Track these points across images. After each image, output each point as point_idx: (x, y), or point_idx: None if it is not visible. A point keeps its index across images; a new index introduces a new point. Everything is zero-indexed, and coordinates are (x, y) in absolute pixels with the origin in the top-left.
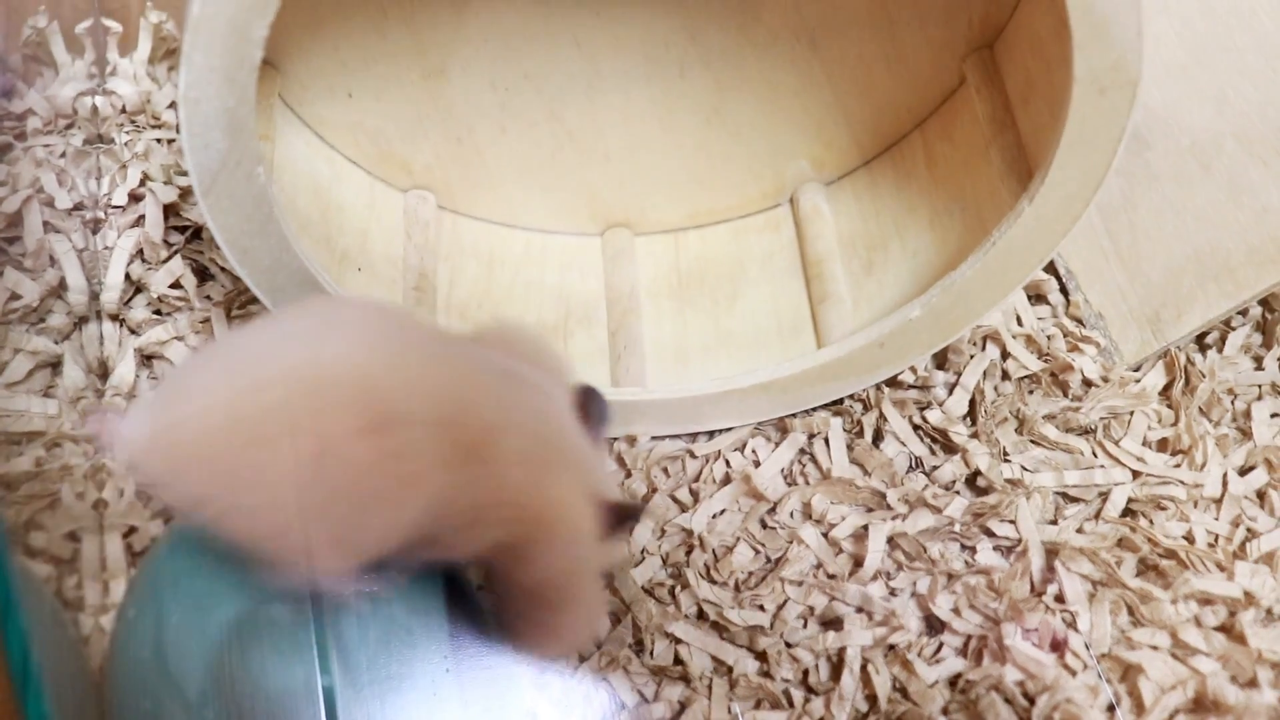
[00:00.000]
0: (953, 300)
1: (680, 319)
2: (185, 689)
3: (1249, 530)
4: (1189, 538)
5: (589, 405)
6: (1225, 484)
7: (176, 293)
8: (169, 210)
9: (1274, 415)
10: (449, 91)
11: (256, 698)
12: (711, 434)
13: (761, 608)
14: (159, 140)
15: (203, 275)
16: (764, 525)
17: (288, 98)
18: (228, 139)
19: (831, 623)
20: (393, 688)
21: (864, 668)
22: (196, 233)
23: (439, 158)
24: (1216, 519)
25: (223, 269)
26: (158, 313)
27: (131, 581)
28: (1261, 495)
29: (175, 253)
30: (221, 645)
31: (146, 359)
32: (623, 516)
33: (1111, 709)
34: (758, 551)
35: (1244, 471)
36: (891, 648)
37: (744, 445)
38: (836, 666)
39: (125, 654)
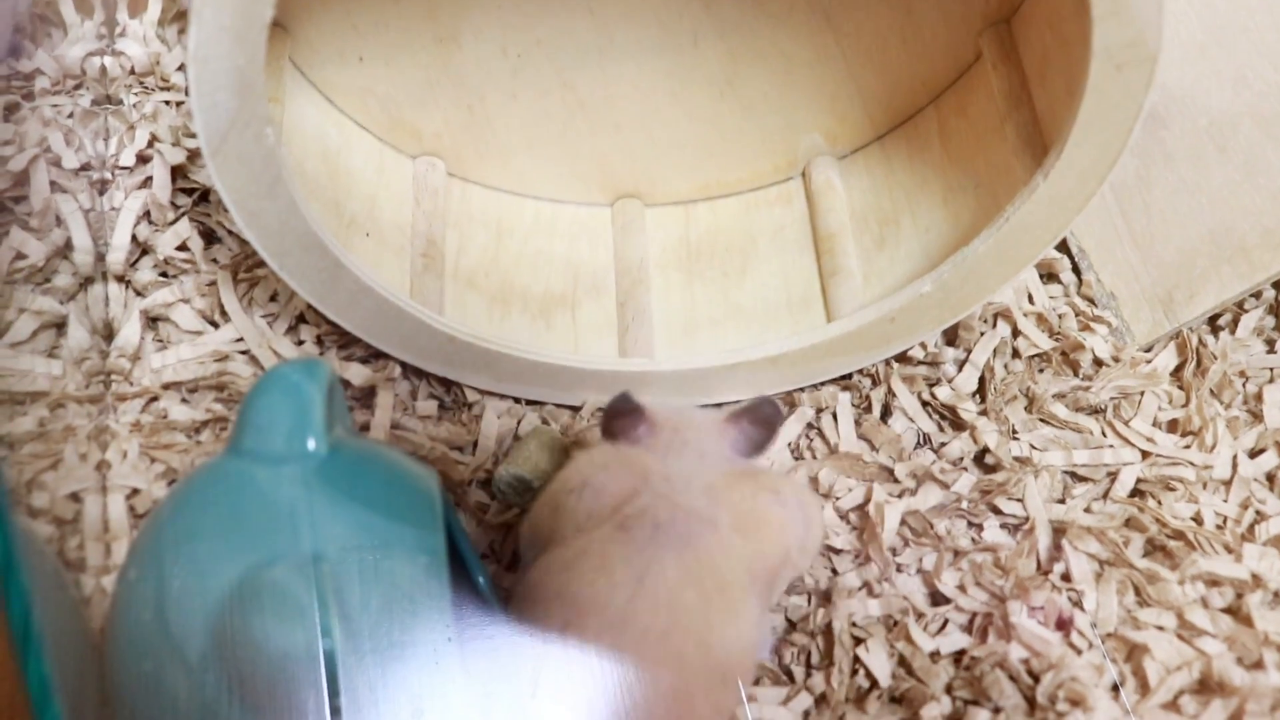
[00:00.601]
0: (964, 276)
1: (689, 291)
2: (186, 651)
3: (1258, 513)
4: (1197, 519)
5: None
6: (1235, 466)
7: (183, 255)
8: (176, 172)
9: None
10: (460, 58)
11: (258, 661)
12: (719, 406)
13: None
14: (168, 102)
15: (210, 238)
16: None
17: (298, 61)
18: (237, 99)
19: (835, 598)
20: (395, 655)
21: (866, 643)
22: (204, 195)
23: (449, 125)
24: (1225, 501)
25: (230, 232)
26: (164, 275)
27: (133, 543)
28: (1271, 478)
29: (182, 215)
30: (223, 608)
31: (152, 321)
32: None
33: (1116, 689)
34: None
35: (1254, 454)
36: (896, 624)
37: None
38: (838, 642)
39: (126, 616)
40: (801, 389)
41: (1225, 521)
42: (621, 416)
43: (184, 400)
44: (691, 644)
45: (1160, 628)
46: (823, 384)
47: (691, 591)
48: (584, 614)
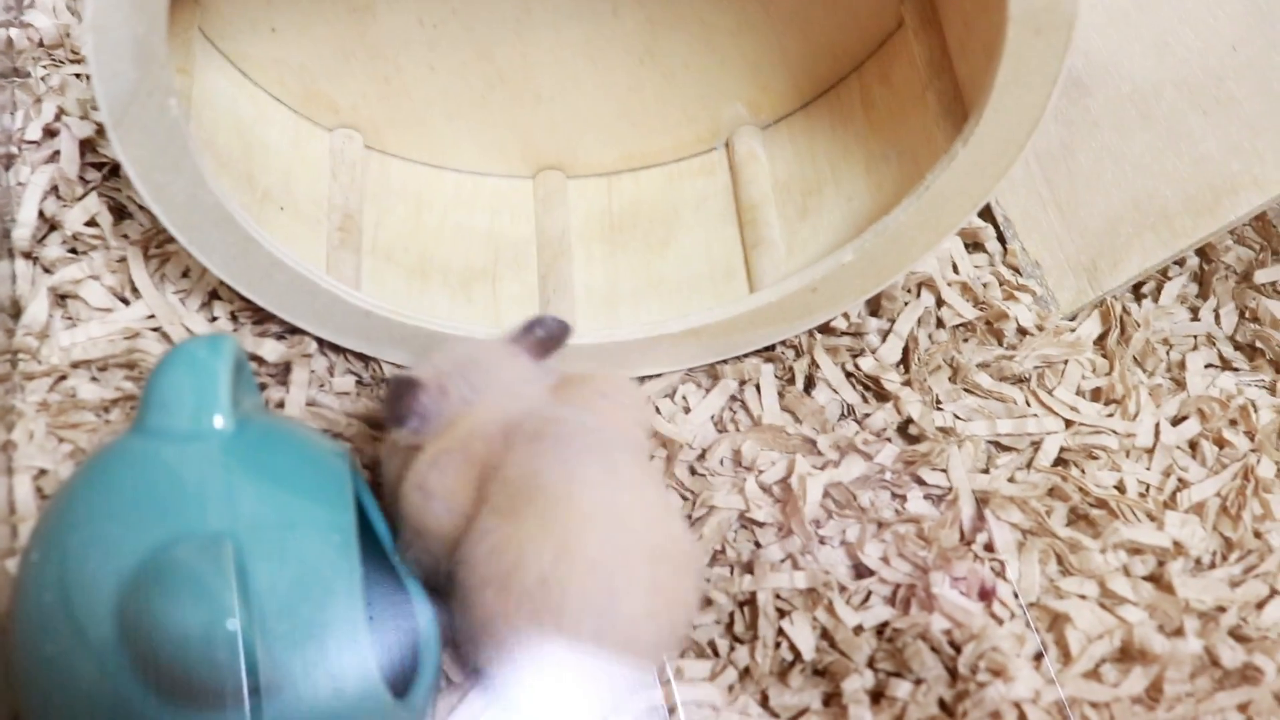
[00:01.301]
0: (886, 245)
1: (612, 263)
2: (90, 635)
3: (1180, 480)
4: (1120, 487)
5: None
6: (1157, 434)
7: (92, 231)
8: (85, 146)
9: (1208, 366)
10: (376, 28)
11: (164, 642)
12: (642, 380)
13: None
14: (77, 76)
15: (120, 213)
16: (693, 472)
17: (208, 31)
18: (138, 69)
19: (758, 571)
20: (310, 635)
21: (790, 616)
22: (114, 170)
23: (366, 96)
24: (1148, 469)
25: (140, 207)
26: (73, 251)
27: (36, 525)
28: (1193, 445)
29: (91, 189)
30: (127, 589)
31: (60, 298)
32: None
33: (1039, 657)
34: (686, 499)
35: (1176, 421)
36: (819, 597)
37: (674, 391)
38: (761, 615)
39: (29, 599)
40: (724, 361)
41: (1148, 489)
42: (405, 397)
43: (93, 379)
44: (658, 538)
45: (1082, 596)
46: (745, 356)
47: (629, 497)
48: (550, 597)
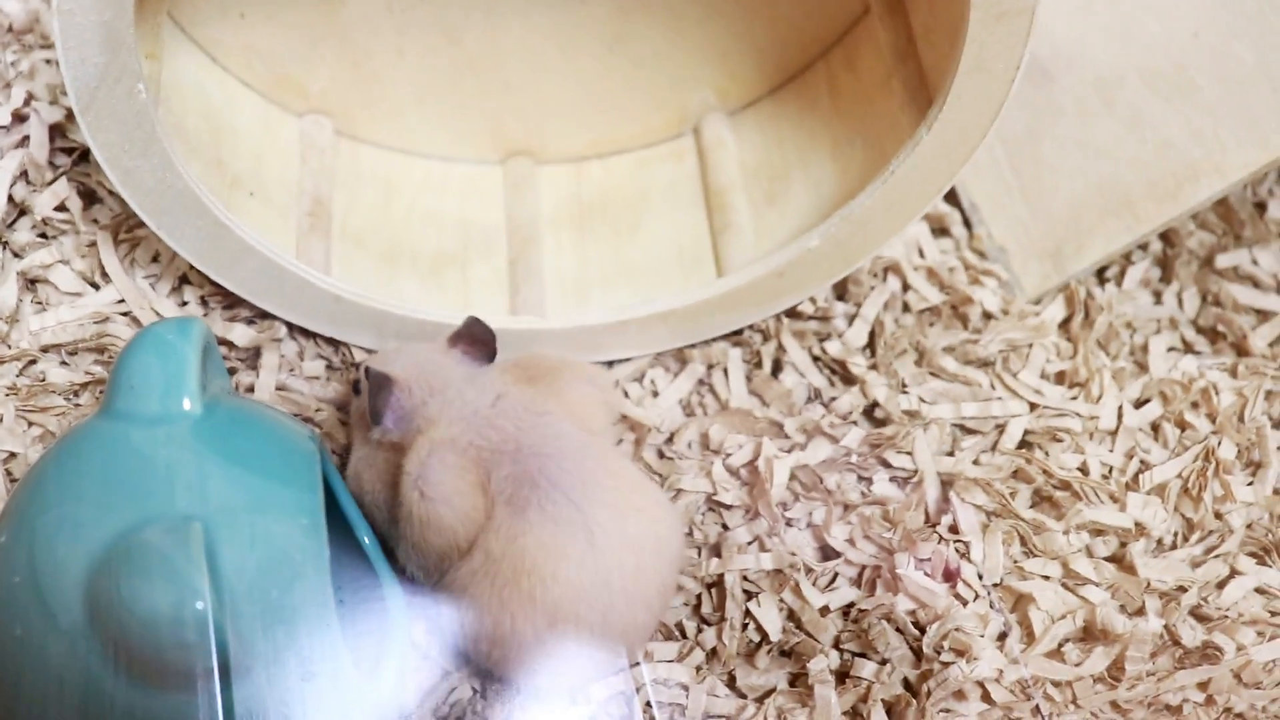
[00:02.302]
0: (852, 230)
1: (581, 249)
2: (59, 616)
3: (1142, 462)
4: (1083, 469)
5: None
6: (1120, 416)
7: (62, 215)
8: (55, 131)
9: (1170, 349)
10: (345, 13)
11: (131, 624)
12: (610, 364)
13: None
14: (48, 61)
15: (90, 198)
16: (661, 455)
17: (177, 17)
18: (105, 54)
19: (725, 553)
20: (279, 617)
21: (757, 598)
22: (84, 155)
23: (336, 82)
24: (1111, 451)
25: (110, 192)
26: (43, 235)
27: (5, 507)
28: (1155, 428)
29: (61, 175)
30: (96, 571)
31: (30, 283)
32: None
33: (1002, 637)
34: (655, 481)
35: (1139, 404)
36: (785, 578)
37: (643, 376)
38: (729, 597)
39: None
40: (693, 345)
41: (1110, 471)
42: (383, 393)
43: (63, 363)
44: (653, 544)
45: (1045, 577)
46: (713, 340)
47: (621, 510)
48: (564, 596)
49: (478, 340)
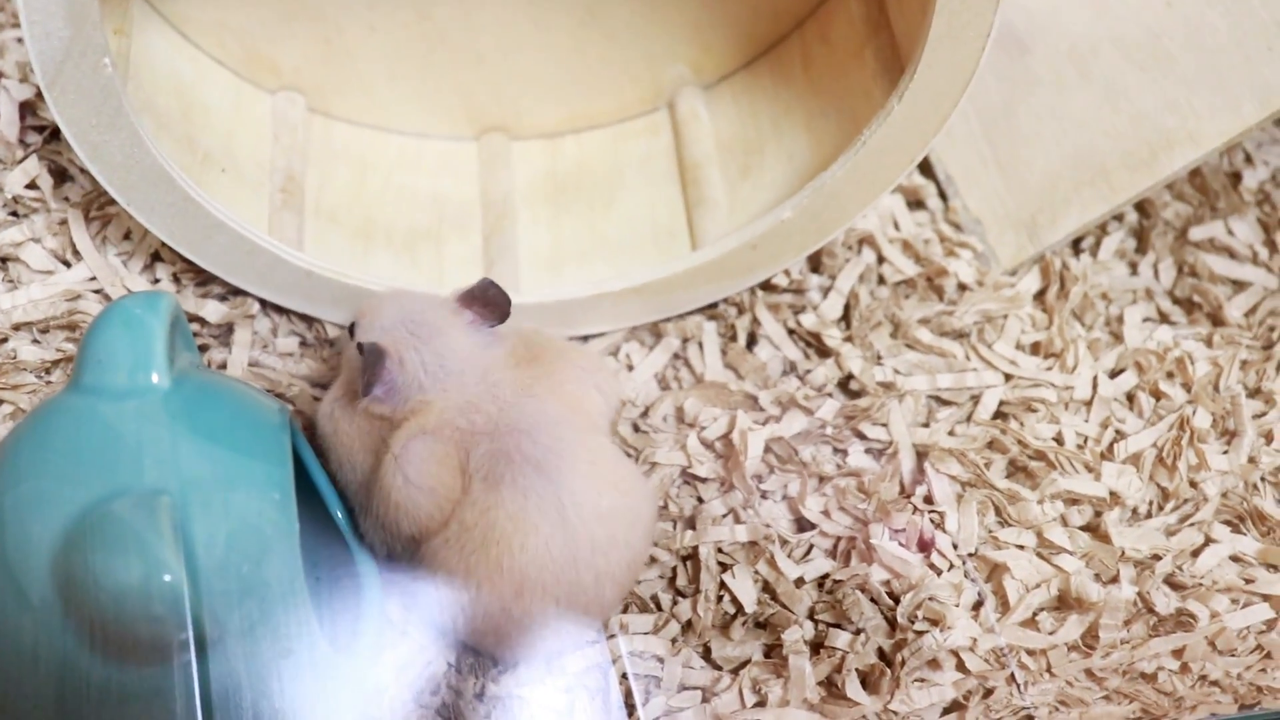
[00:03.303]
0: (825, 201)
1: (556, 224)
2: (28, 591)
3: (1117, 432)
4: (1058, 439)
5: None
6: (1095, 386)
7: (32, 193)
8: (25, 109)
9: (1146, 320)
10: None
11: (101, 597)
12: (585, 338)
13: None
14: (19, 40)
15: (61, 176)
16: (636, 429)
17: None
18: (70, 28)
19: (700, 525)
20: (248, 590)
21: (732, 570)
22: (55, 133)
23: (308, 59)
24: (1086, 421)
25: (81, 170)
26: (14, 214)
27: None
28: (1130, 397)
29: (31, 152)
30: (65, 545)
31: (1, 261)
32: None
33: (977, 607)
34: (630, 455)
35: (1114, 374)
36: (760, 550)
37: (618, 349)
38: (704, 569)
39: None
40: (667, 319)
41: (1085, 441)
42: (375, 366)
43: (35, 341)
44: (626, 517)
45: (1020, 546)
46: (688, 314)
47: (594, 485)
48: (530, 565)
49: (490, 303)
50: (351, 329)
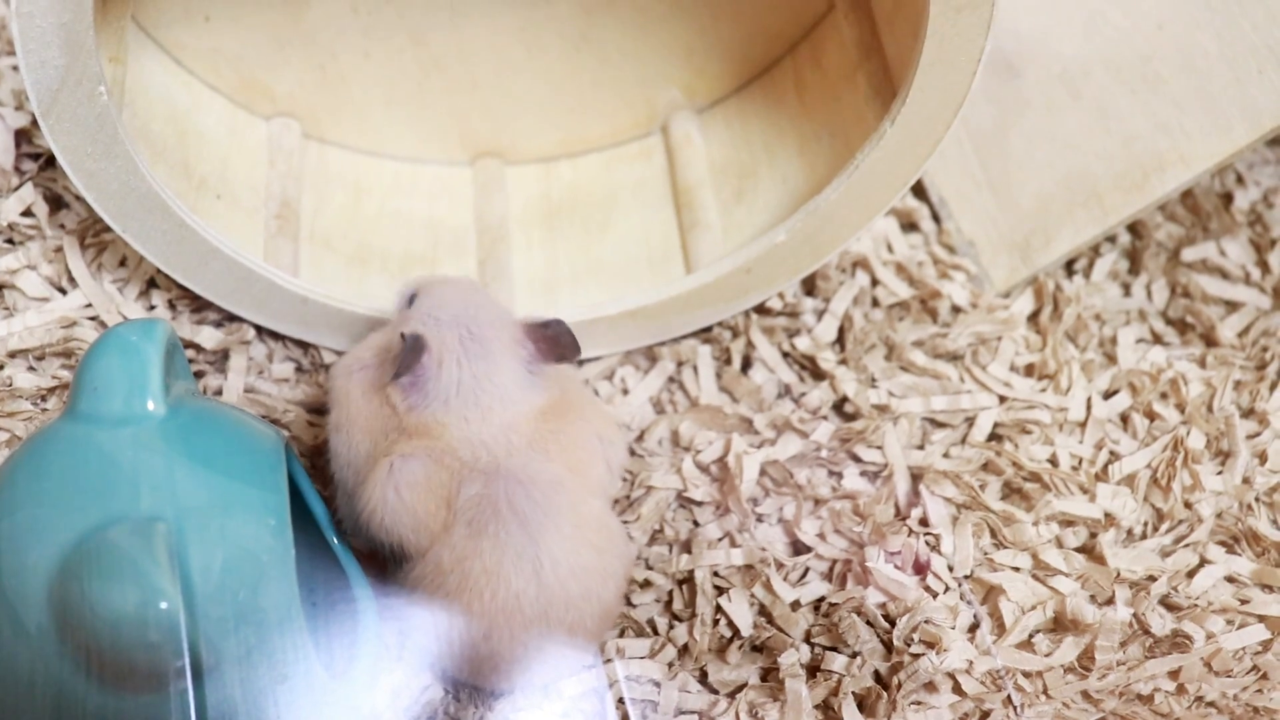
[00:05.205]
0: (819, 224)
1: (551, 248)
2: (25, 619)
3: (1111, 453)
4: (1053, 461)
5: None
6: (1089, 408)
7: (28, 221)
8: (21, 136)
9: (1139, 340)
10: (310, 15)
11: (97, 625)
12: (580, 363)
13: (630, 537)
14: (14, 68)
15: (56, 203)
16: (632, 453)
17: (142, 20)
18: (65, 56)
19: (696, 549)
20: (245, 617)
21: (728, 593)
22: (50, 160)
23: (302, 84)
24: (1080, 442)
25: (77, 197)
26: (10, 241)
27: None
28: (1124, 418)
29: (27, 180)
30: (61, 573)
31: None
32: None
33: (973, 629)
34: (625, 479)
35: (1108, 395)
36: (756, 573)
37: (613, 373)
38: (700, 593)
39: None
40: (662, 343)
41: (1080, 462)
42: (413, 354)
43: (30, 368)
44: (600, 580)
45: (1015, 568)
46: (683, 337)
47: (574, 545)
48: (501, 617)
49: (556, 345)
50: (411, 298)
